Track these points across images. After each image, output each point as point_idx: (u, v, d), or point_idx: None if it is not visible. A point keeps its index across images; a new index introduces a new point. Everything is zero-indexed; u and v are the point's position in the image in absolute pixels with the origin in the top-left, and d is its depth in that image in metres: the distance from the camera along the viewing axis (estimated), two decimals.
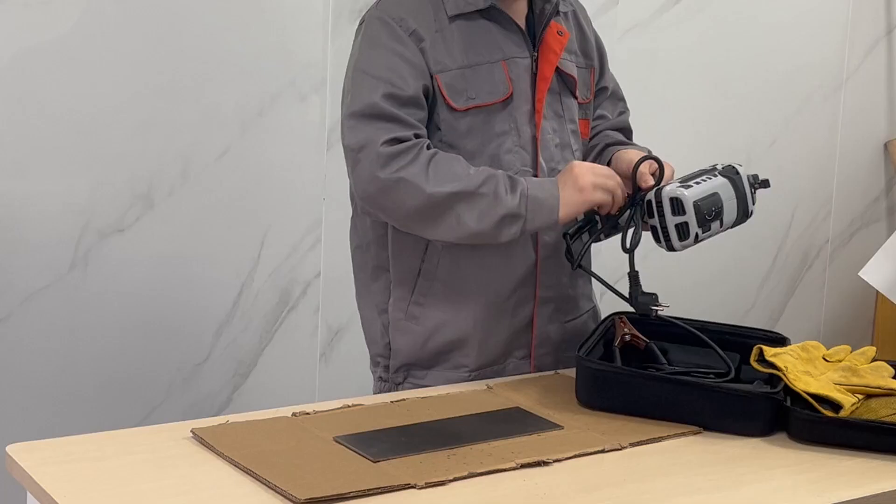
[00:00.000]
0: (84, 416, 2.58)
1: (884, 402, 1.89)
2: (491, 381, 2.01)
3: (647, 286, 2.07)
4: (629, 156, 2.08)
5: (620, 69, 3.21)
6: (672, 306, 2.03)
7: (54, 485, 1.54)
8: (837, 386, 1.90)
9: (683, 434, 1.81)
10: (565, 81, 2.10)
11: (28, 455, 1.63)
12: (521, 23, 2.06)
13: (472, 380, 2.03)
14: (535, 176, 2.04)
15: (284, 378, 2.87)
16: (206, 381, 2.77)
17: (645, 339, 2.02)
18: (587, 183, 1.94)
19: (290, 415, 1.79)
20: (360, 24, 2.05)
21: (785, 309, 3.68)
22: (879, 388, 1.91)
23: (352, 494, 1.52)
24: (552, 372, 2.07)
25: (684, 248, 1.98)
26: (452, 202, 1.91)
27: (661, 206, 1.95)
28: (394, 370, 2.08)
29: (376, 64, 1.97)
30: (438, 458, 1.65)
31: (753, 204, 2.03)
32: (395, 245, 2.04)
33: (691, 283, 3.43)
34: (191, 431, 1.69)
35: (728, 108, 3.45)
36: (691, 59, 3.35)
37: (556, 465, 1.67)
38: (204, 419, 1.77)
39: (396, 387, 2.07)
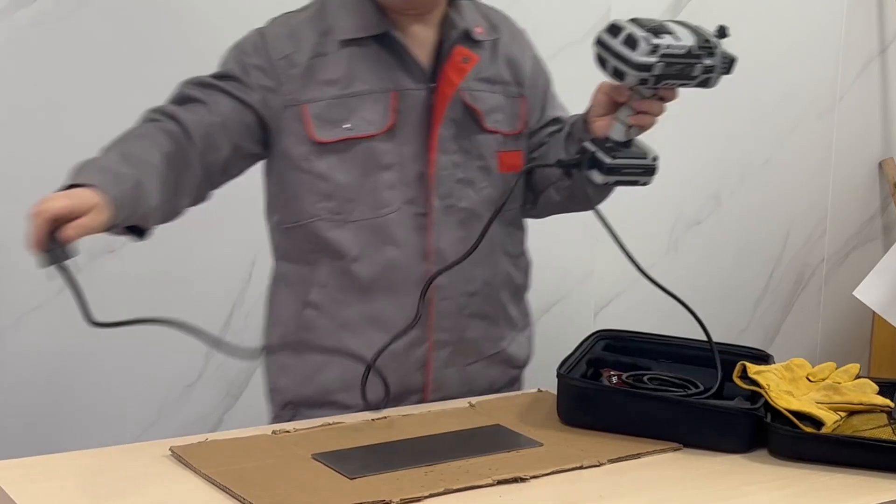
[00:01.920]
0: (75, 437, 2.58)
1: (865, 418, 1.89)
2: (474, 399, 2.01)
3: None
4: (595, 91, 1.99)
5: None
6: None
7: (32, 503, 1.54)
8: (819, 405, 1.90)
9: (663, 450, 1.80)
10: (471, 114, 2.01)
11: (6, 473, 1.63)
12: (424, 52, 1.98)
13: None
14: (425, 214, 1.96)
15: None
16: (197, 402, 2.78)
17: (630, 381, 1.98)
18: None
19: (270, 433, 1.80)
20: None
21: (780, 329, 3.68)
22: (861, 403, 1.91)
23: None
24: (535, 389, 2.07)
25: (644, 56, 1.81)
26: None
27: (604, 42, 1.85)
28: (280, 407, 2.04)
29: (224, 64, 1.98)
30: (416, 475, 1.65)
31: (718, 45, 1.91)
32: (278, 278, 2.03)
33: (686, 302, 3.42)
34: (169, 449, 1.70)
35: (722, 126, 3.46)
36: None
37: (533, 481, 1.66)
38: (185, 437, 1.78)
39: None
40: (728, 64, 1.91)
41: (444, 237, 1.98)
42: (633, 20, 1.85)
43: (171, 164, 1.85)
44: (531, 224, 3.16)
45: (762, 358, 2.05)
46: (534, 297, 3.23)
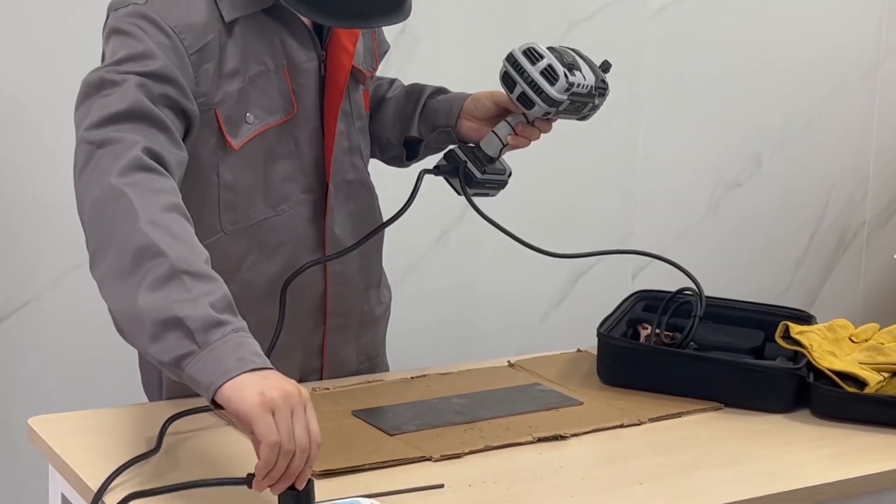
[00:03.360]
0: (113, 394, 2.60)
1: None
2: (513, 358, 2.00)
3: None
4: (484, 94, 1.85)
5: (654, 49, 3.21)
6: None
7: (75, 456, 1.56)
8: (862, 365, 1.88)
9: (704, 410, 1.80)
10: (356, 77, 1.82)
11: (49, 427, 1.65)
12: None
13: None
14: (325, 199, 1.79)
15: None
16: None
17: (670, 333, 1.97)
18: (261, 394, 1.30)
19: (310, 390, 1.80)
20: (107, 23, 1.66)
21: (821, 291, 3.65)
22: None
23: (366, 466, 1.53)
24: (575, 349, 2.06)
25: (560, 93, 1.76)
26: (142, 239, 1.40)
27: (518, 64, 1.77)
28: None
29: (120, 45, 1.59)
30: (455, 432, 1.65)
31: (608, 85, 1.85)
32: None
33: (726, 265, 3.41)
34: (210, 402, 1.70)
35: (762, 87, 3.42)
36: (724, 38, 3.33)
37: (572, 439, 1.66)
38: None
39: None
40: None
41: (337, 220, 1.83)
42: (552, 49, 1.78)
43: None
44: (571, 185, 3.16)
45: (804, 319, 2.03)
46: (573, 258, 3.23)
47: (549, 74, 1.76)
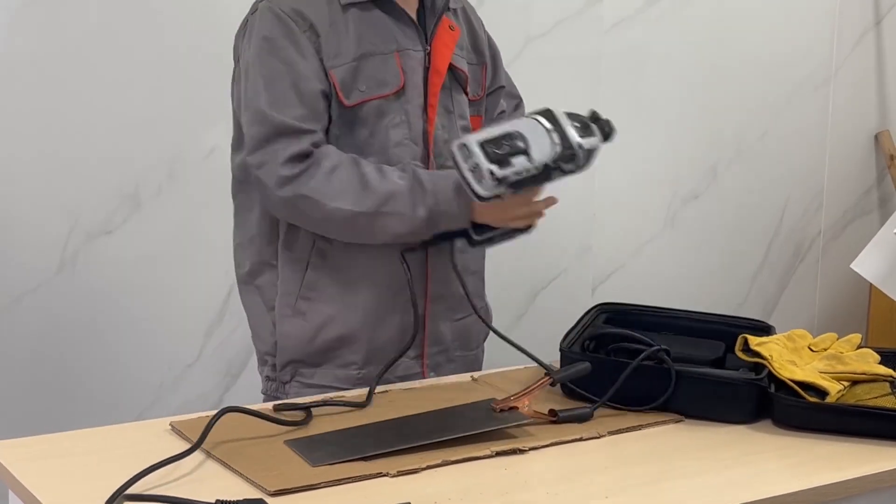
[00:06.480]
0: (74, 418, 2.57)
1: (868, 387, 1.89)
2: (476, 374, 2.00)
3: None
4: None
5: (609, 63, 3.23)
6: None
7: (35, 481, 1.54)
8: (823, 374, 1.90)
9: (664, 422, 1.80)
10: (457, 77, 2.08)
11: (8, 452, 1.63)
12: (413, 15, 2.03)
13: (361, 379, 1.99)
14: (430, 169, 2.01)
15: None
16: (196, 381, 2.77)
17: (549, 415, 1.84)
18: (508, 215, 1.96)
19: (271, 408, 1.79)
20: (252, 13, 2.00)
21: (778, 302, 3.67)
22: (864, 373, 1.91)
23: (322, 484, 1.52)
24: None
25: (488, 190, 1.84)
26: (364, 220, 1.91)
27: (455, 159, 1.87)
28: (280, 368, 2.04)
29: (272, 70, 1.94)
30: (412, 447, 1.64)
31: (581, 146, 1.87)
32: (287, 238, 2.01)
33: (684, 277, 3.42)
34: (170, 424, 1.70)
35: (717, 99, 3.45)
36: (680, 52, 3.35)
37: (532, 453, 1.67)
38: (185, 415, 1.77)
39: (283, 386, 2.03)
40: (607, 137, 1.92)
41: None
42: (483, 145, 1.83)
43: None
44: None
45: (764, 329, 2.05)
46: (532, 273, 3.24)
47: (476, 171, 1.83)
